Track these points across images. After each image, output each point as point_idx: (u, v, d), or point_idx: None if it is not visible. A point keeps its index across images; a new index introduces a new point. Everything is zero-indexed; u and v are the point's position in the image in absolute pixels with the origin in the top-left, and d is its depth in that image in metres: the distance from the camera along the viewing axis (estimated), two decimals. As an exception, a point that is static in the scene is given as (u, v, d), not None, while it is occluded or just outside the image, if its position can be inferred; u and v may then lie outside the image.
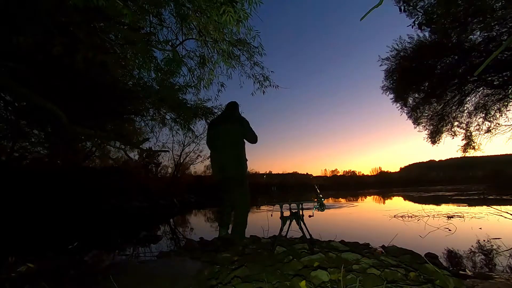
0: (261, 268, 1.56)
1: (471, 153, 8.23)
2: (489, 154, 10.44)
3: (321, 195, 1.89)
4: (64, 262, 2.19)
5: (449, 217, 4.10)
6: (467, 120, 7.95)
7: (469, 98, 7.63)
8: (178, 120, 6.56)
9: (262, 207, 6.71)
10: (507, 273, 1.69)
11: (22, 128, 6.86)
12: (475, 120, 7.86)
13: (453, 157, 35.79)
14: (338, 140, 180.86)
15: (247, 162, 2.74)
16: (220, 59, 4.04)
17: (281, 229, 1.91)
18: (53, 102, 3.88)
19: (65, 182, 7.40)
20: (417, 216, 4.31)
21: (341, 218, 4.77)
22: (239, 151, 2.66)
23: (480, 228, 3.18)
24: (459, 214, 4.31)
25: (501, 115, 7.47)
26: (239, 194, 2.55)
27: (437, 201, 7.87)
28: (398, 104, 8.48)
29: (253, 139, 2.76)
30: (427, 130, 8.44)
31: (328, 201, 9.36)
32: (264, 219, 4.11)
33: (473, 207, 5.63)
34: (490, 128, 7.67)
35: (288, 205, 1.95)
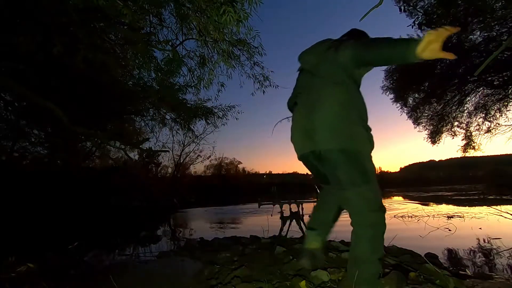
0: (261, 268, 1.56)
1: (471, 153, 8.23)
2: (489, 154, 10.45)
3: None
4: (64, 262, 2.19)
5: (449, 217, 4.10)
6: (467, 120, 7.95)
7: (469, 98, 7.63)
8: (178, 120, 6.58)
9: (262, 207, 6.71)
10: (507, 273, 1.69)
11: (22, 128, 6.87)
12: (475, 120, 7.86)
13: (453, 157, 35.90)
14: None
15: None
16: (220, 59, 4.04)
17: (281, 229, 1.91)
18: (53, 102, 3.88)
19: (65, 182, 7.39)
20: (417, 216, 4.30)
21: (340, 218, 4.77)
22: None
23: (480, 228, 3.17)
24: (459, 214, 4.31)
25: (501, 115, 7.47)
26: None
27: (437, 201, 7.86)
28: (398, 104, 8.48)
29: None
30: (427, 130, 8.44)
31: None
32: (264, 219, 4.11)
33: (473, 207, 5.63)
34: (490, 128, 7.67)
35: (288, 205, 1.95)
